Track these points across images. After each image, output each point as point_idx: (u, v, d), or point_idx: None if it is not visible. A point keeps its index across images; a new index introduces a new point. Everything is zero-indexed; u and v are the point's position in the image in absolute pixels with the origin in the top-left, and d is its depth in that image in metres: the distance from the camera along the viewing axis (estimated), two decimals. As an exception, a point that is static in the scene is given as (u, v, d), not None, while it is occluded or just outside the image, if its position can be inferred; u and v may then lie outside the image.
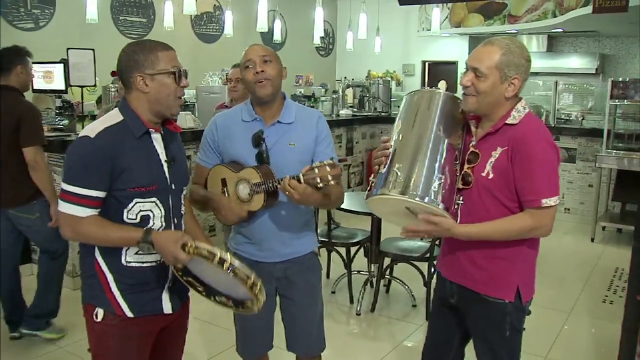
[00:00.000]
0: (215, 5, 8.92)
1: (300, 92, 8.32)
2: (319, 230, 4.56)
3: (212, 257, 1.76)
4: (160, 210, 1.94)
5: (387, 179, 1.96)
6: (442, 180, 1.94)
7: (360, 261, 4.71)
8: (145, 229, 1.85)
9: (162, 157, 1.95)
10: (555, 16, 8.34)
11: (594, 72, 9.11)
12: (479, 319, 2.16)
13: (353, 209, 4.18)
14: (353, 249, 4.60)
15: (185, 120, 5.25)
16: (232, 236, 2.48)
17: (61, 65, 5.45)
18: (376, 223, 4.37)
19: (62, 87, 5.58)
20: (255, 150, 2.28)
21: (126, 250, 1.90)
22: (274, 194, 2.20)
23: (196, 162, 2.45)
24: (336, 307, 4.42)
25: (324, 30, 10.65)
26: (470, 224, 2.00)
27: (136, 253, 1.91)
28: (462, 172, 2.03)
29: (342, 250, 4.58)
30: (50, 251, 3.68)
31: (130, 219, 1.88)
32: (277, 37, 8.40)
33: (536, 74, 9.19)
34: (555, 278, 5.14)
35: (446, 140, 2.01)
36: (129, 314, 1.93)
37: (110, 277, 1.91)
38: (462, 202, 2.03)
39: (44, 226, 3.51)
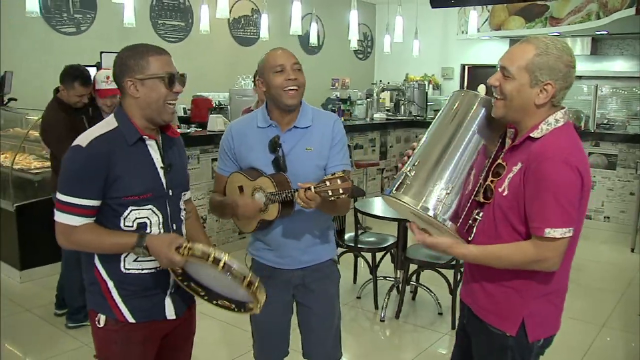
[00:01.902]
0: (252, 8, 9.00)
1: (336, 95, 8.31)
2: (346, 236, 4.55)
3: (206, 257, 1.71)
4: (157, 217, 1.91)
5: (397, 180, 1.86)
6: (452, 190, 1.80)
7: (387, 267, 4.67)
8: (139, 234, 1.82)
9: (158, 163, 1.92)
10: (599, 18, 8.10)
11: (640, 75, 8.82)
12: (481, 349, 2.01)
13: (379, 214, 4.15)
14: (379, 255, 4.56)
15: (216, 123, 5.32)
16: (251, 242, 2.48)
17: (95, 69, 5.57)
18: (403, 229, 4.32)
19: (98, 90, 5.70)
20: (272, 156, 2.26)
21: (124, 258, 1.88)
22: (290, 203, 2.18)
23: (215, 170, 2.44)
24: (361, 312, 4.39)
25: (363, 33, 10.64)
26: (472, 245, 1.86)
27: (135, 260, 1.89)
28: (485, 185, 1.84)
29: (368, 256, 4.55)
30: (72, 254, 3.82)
31: (127, 226, 1.86)
32: (313, 40, 8.41)
33: (580, 77, 8.95)
34: (590, 289, 4.98)
35: (482, 142, 1.86)
36: (131, 320, 1.91)
37: (110, 284, 1.90)
38: (480, 217, 1.87)
39: None
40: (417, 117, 8.24)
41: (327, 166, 2.30)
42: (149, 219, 1.89)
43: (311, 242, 2.38)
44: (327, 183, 1.99)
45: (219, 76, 8.18)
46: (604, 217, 6.84)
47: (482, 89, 9.65)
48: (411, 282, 4.47)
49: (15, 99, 5.84)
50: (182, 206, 2.06)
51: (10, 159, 4.93)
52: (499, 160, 1.85)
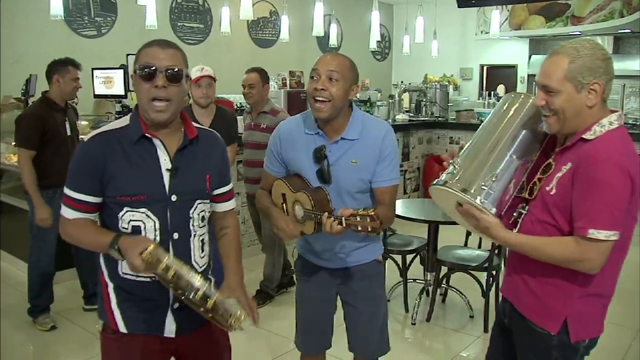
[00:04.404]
0: (271, 10, 8.98)
1: (356, 96, 8.26)
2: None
3: (158, 263, 1.58)
4: (153, 222, 1.76)
5: (445, 172, 1.89)
6: (497, 181, 1.81)
7: (417, 269, 4.60)
8: (116, 233, 1.71)
9: (165, 165, 1.78)
10: (622, 16, 8.00)
11: (664, 74, 8.69)
12: (525, 348, 1.97)
13: (409, 216, 4.09)
14: (409, 257, 4.49)
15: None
16: (298, 239, 2.46)
17: (121, 71, 5.57)
18: (433, 230, 4.25)
19: (122, 93, 5.69)
20: (317, 166, 2.21)
21: (122, 261, 1.76)
22: None
23: (264, 167, 2.42)
24: (391, 315, 4.27)
25: (381, 34, 10.59)
26: (513, 232, 1.86)
27: None
28: (532, 182, 1.87)
29: (398, 258, 4.47)
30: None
31: (123, 227, 1.76)
32: (333, 41, 8.36)
33: (602, 76, 8.81)
34: (622, 292, 4.82)
35: (520, 150, 1.88)
36: (123, 329, 1.82)
37: (110, 287, 1.83)
38: (526, 211, 1.88)
39: (31, 217, 3.78)
40: (439, 118, 8.16)
41: (372, 180, 2.25)
42: (143, 222, 1.76)
43: (355, 246, 2.35)
44: (358, 218, 1.91)
45: (239, 78, 8.14)
46: (632, 217, 6.69)
47: (501, 89, 9.57)
48: (442, 285, 4.40)
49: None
50: (193, 215, 1.86)
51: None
52: (550, 160, 1.86)
